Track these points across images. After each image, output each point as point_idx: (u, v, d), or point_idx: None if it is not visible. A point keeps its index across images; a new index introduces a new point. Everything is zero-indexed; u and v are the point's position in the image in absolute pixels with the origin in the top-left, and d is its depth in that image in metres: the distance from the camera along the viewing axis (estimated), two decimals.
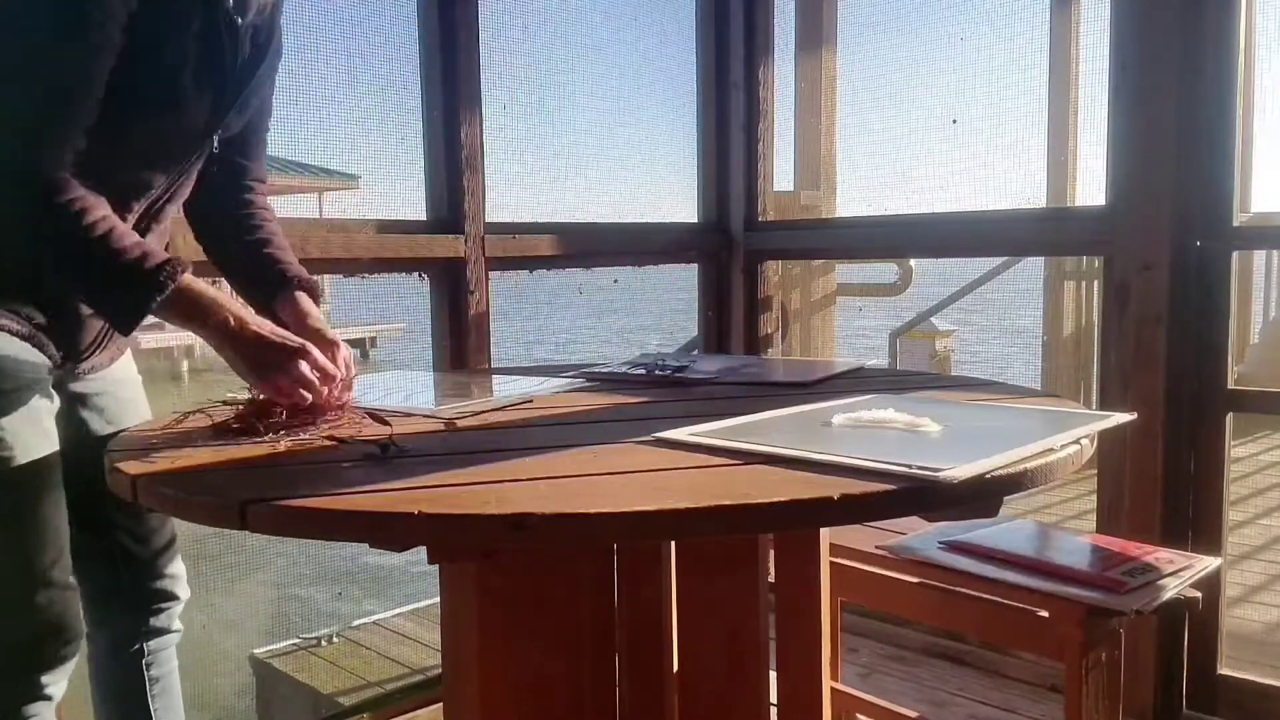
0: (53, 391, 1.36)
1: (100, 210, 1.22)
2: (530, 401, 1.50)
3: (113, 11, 1.22)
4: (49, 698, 1.35)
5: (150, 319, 1.25)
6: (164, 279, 1.20)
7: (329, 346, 1.39)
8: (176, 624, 1.62)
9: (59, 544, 1.35)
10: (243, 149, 1.55)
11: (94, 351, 1.45)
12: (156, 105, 1.32)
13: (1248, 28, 2.15)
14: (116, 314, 1.26)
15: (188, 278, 1.23)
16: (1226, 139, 2.06)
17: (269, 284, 1.52)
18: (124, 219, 1.33)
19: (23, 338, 1.32)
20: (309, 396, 1.27)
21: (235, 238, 1.57)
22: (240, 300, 1.48)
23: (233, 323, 1.25)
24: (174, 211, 1.49)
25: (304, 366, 1.26)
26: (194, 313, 1.24)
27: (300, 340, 1.30)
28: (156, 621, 1.59)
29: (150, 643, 1.58)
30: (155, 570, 1.58)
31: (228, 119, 1.44)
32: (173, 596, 1.61)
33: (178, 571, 1.62)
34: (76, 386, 1.45)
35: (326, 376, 1.29)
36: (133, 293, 1.21)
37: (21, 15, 1.21)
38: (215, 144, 1.45)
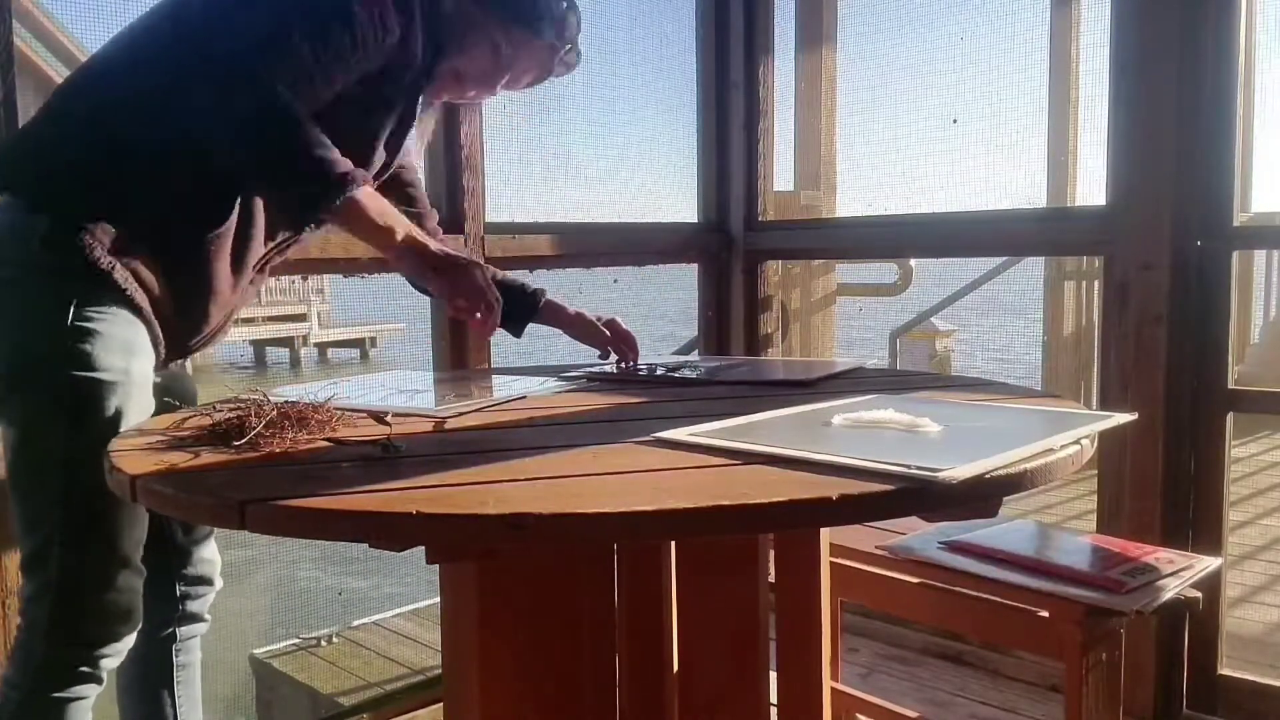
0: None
1: (308, 117, 1.31)
2: (524, 398, 1.50)
3: (368, 45, 1.36)
4: (100, 681, 1.38)
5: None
6: (353, 179, 1.31)
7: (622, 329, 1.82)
8: (207, 613, 1.65)
9: (143, 526, 1.39)
10: (416, 200, 1.78)
11: (197, 349, 1.52)
12: (350, 150, 1.43)
13: (1248, 28, 2.15)
14: (305, 207, 1.35)
15: (366, 193, 1.34)
16: (1226, 139, 2.06)
17: (521, 306, 1.80)
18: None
19: (150, 328, 1.38)
20: (489, 304, 1.41)
21: None
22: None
23: (412, 237, 1.39)
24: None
25: (480, 277, 1.41)
26: (375, 229, 1.36)
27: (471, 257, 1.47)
28: (191, 607, 1.62)
29: (182, 628, 1.61)
30: (195, 555, 1.61)
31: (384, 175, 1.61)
32: (209, 582, 1.64)
33: (214, 558, 1.65)
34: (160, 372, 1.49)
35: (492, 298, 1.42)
36: (319, 189, 1.31)
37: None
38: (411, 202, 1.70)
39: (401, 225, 1.39)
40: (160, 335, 1.41)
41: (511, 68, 1.58)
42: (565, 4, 1.58)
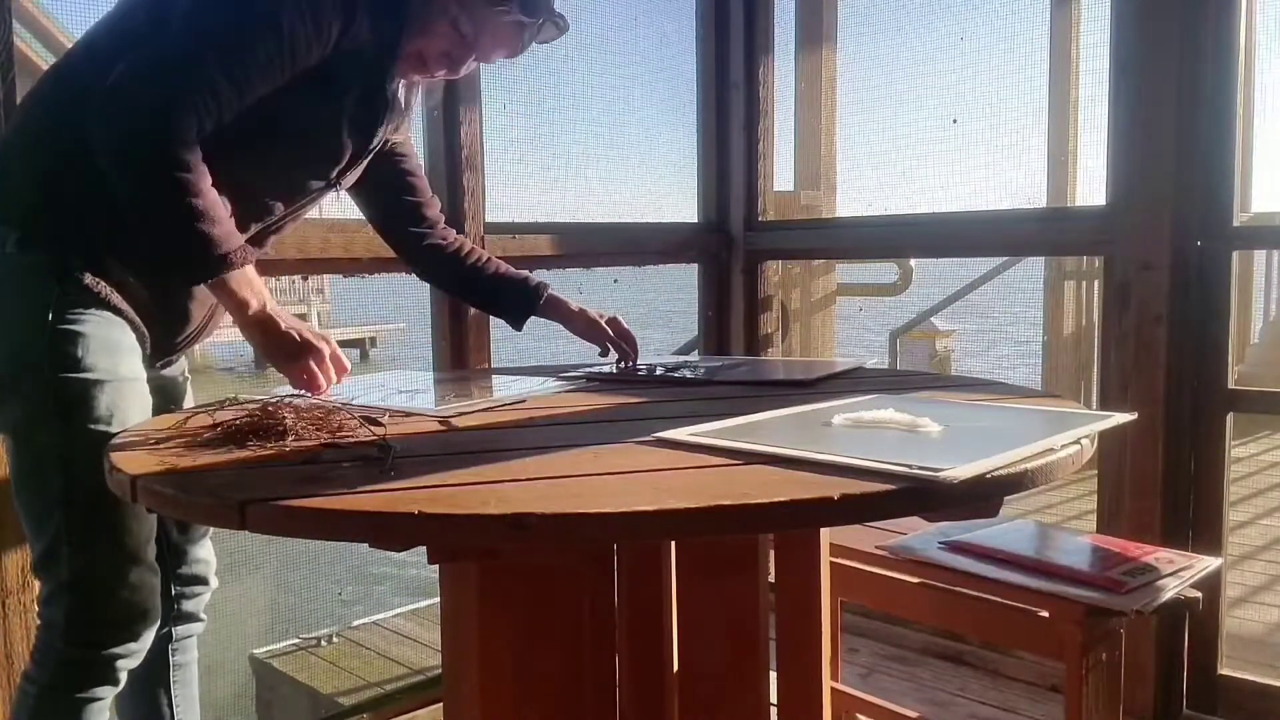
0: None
1: (205, 180, 1.27)
2: (524, 401, 1.50)
3: (299, 46, 1.32)
4: (117, 683, 1.38)
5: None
6: (228, 263, 1.29)
7: (623, 328, 1.83)
8: (203, 613, 1.65)
9: (151, 523, 1.39)
10: (415, 188, 1.77)
11: (183, 347, 1.52)
12: (309, 148, 1.45)
13: (1248, 28, 2.15)
14: (177, 273, 1.34)
15: (242, 270, 1.31)
16: (1226, 139, 2.06)
17: (523, 298, 1.83)
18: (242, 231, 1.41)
19: (134, 327, 1.38)
20: (322, 386, 1.38)
21: (461, 270, 1.83)
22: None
23: (267, 311, 1.34)
24: (293, 228, 1.62)
25: (318, 362, 1.38)
26: (233, 299, 1.33)
27: (321, 336, 1.39)
28: (186, 606, 1.62)
29: (178, 628, 1.61)
30: (190, 555, 1.61)
31: (351, 173, 1.58)
32: (204, 582, 1.64)
33: (210, 558, 1.65)
34: (152, 377, 1.48)
35: (339, 369, 1.41)
36: (196, 264, 1.29)
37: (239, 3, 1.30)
38: (338, 193, 1.62)
39: (258, 299, 1.34)
40: (145, 332, 1.41)
41: (476, 46, 1.52)
42: None
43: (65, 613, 1.33)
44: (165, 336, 1.46)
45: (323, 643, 3.38)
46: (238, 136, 1.32)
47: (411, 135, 1.81)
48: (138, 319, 1.39)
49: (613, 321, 1.86)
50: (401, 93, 1.54)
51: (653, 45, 2.87)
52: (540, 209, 2.55)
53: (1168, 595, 1.49)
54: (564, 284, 2.63)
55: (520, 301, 1.84)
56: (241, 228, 1.43)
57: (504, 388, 1.65)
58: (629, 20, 2.78)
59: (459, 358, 2.28)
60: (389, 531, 0.89)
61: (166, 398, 1.53)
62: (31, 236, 1.32)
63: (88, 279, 1.33)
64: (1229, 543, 2.31)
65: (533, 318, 1.88)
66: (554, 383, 1.65)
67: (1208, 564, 1.60)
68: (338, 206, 2.44)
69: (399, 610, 3.68)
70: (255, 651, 3.36)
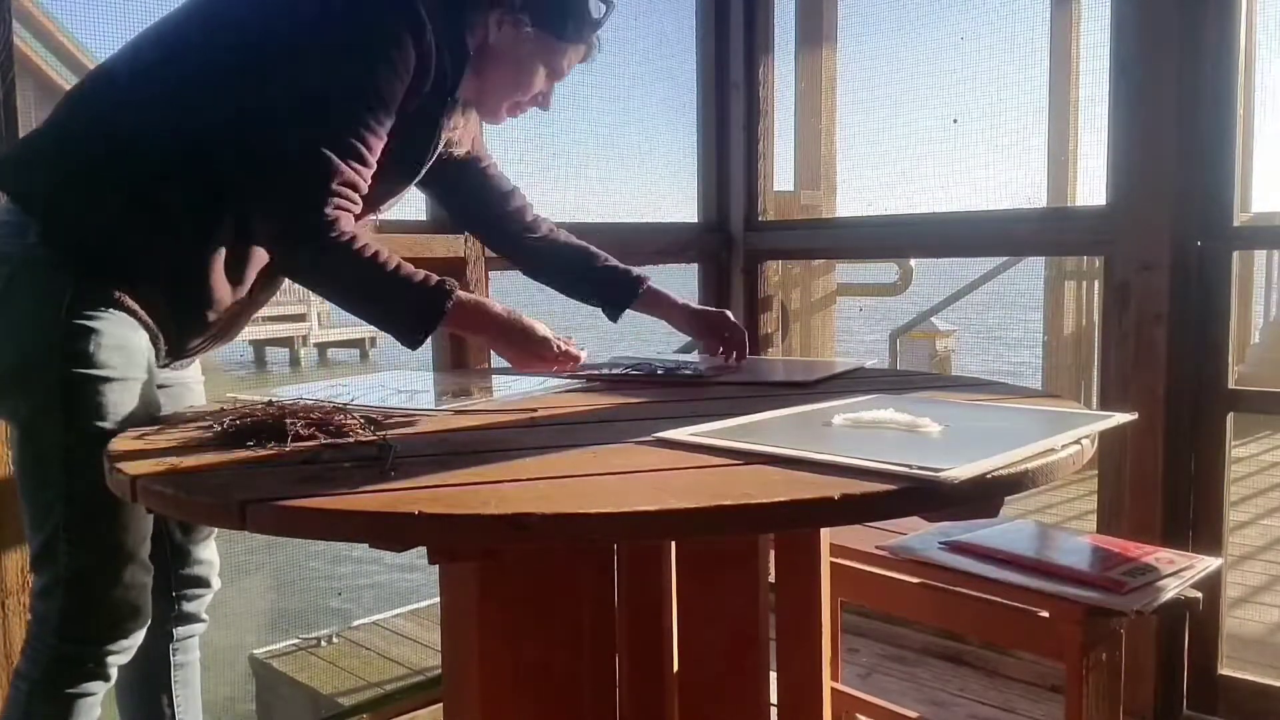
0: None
1: (376, 243, 1.36)
2: (524, 401, 1.50)
3: (401, 75, 1.37)
4: (108, 679, 1.39)
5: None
6: (449, 290, 1.39)
7: (727, 322, 1.83)
8: (204, 614, 1.66)
9: (148, 522, 1.40)
10: (492, 179, 1.80)
11: (199, 350, 1.53)
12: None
13: (1248, 28, 2.15)
14: (407, 331, 1.41)
15: (460, 293, 1.41)
16: (1226, 139, 2.06)
17: (624, 289, 1.83)
18: None
19: (148, 329, 1.38)
20: (579, 358, 1.56)
21: (563, 260, 1.86)
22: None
23: (506, 320, 1.49)
24: None
25: (558, 343, 1.53)
26: (465, 320, 1.46)
27: (547, 330, 1.53)
28: (188, 607, 1.62)
29: (179, 628, 1.61)
30: (193, 556, 1.62)
31: (393, 199, 1.63)
32: (205, 583, 1.65)
33: (213, 559, 1.65)
34: (159, 376, 1.47)
35: (569, 357, 1.55)
36: (422, 310, 1.39)
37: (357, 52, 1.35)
38: (378, 218, 1.67)
39: (502, 312, 1.49)
40: (159, 334, 1.41)
41: (550, 75, 1.59)
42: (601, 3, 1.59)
43: (60, 608, 1.33)
44: (180, 340, 1.46)
45: (323, 643, 3.38)
46: None
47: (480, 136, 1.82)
48: (151, 322, 1.39)
49: (719, 316, 1.84)
50: (441, 129, 1.56)
51: (652, 45, 2.87)
52: (540, 209, 2.54)
53: (1168, 595, 1.49)
54: None
55: (617, 293, 1.84)
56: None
57: (504, 388, 1.65)
58: (629, 20, 2.78)
59: (459, 358, 2.28)
60: (389, 531, 0.89)
61: (175, 400, 1.53)
62: (54, 231, 1.32)
63: (106, 278, 1.33)
64: (1229, 543, 2.31)
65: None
66: (554, 382, 1.65)
67: (1208, 564, 1.60)
68: None
69: (399, 610, 3.68)
70: (255, 651, 3.36)
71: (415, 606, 3.69)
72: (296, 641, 3.39)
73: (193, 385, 1.61)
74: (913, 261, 4.03)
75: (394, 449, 1.10)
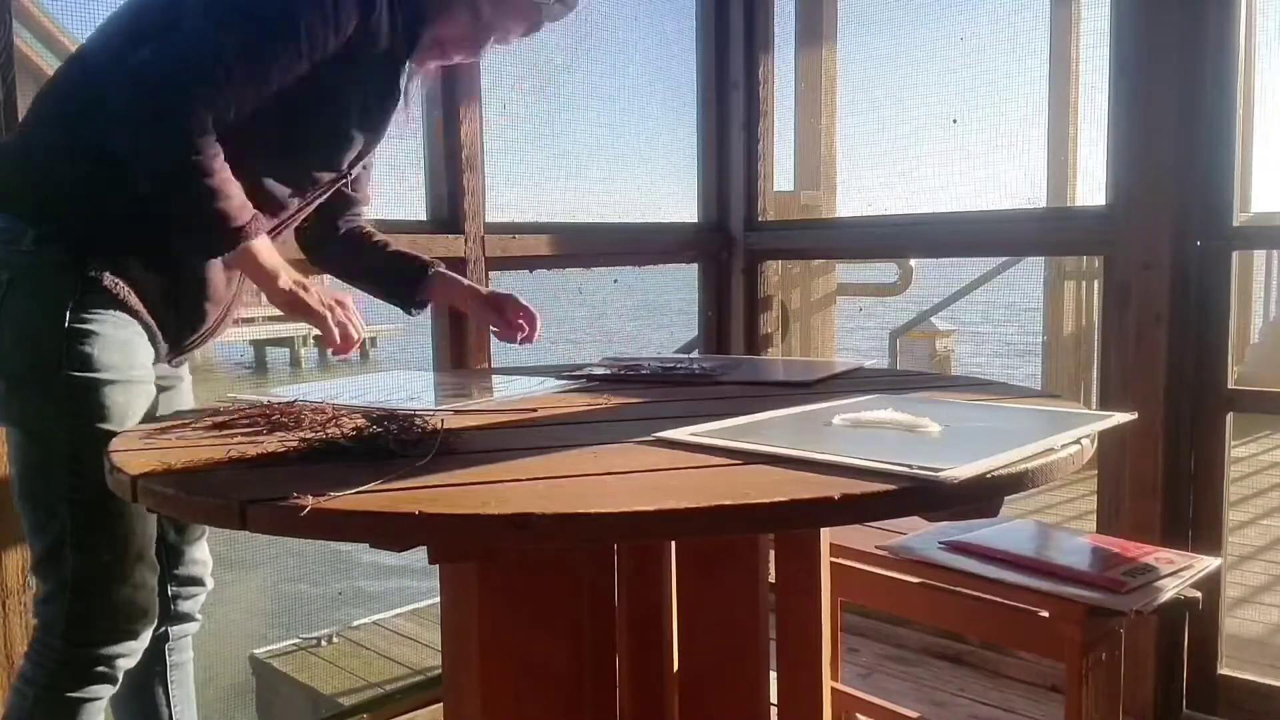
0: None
1: (219, 162, 1.31)
2: (523, 401, 1.50)
3: (315, 39, 1.34)
4: (115, 681, 1.38)
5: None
6: (247, 234, 1.33)
7: (513, 303, 1.76)
8: (199, 613, 1.65)
9: (153, 522, 1.40)
10: (357, 179, 1.69)
11: (196, 345, 1.52)
12: (320, 141, 1.47)
13: (1248, 28, 2.15)
14: (198, 250, 1.38)
15: (259, 241, 1.35)
16: (1226, 139, 2.06)
17: (412, 275, 1.75)
18: None
19: (148, 329, 1.38)
20: (353, 336, 1.44)
21: (360, 252, 1.76)
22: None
23: (285, 280, 1.39)
24: (287, 234, 1.62)
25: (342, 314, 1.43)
26: (262, 271, 1.38)
27: (338, 296, 1.45)
28: (182, 607, 1.62)
29: (174, 628, 1.61)
30: (187, 556, 1.61)
31: (360, 164, 1.59)
32: (200, 583, 1.64)
33: (206, 559, 1.65)
34: (158, 375, 1.47)
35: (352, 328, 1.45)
36: (215, 240, 1.33)
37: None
38: (349, 182, 1.61)
39: (286, 271, 1.40)
40: (158, 333, 1.41)
41: (495, 28, 1.53)
42: None
43: (66, 612, 1.33)
44: (180, 335, 1.46)
45: (323, 643, 3.38)
46: (253, 130, 1.34)
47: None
48: (152, 320, 1.39)
49: (508, 297, 1.79)
50: (403, 82, 1.54)
51: (653, 45, 2.87)
52: (540, 209, 2.55)
53: (1168, 595, 1.49)
54: (564, 284, 2.64)
55: (402, 282, 1.77)
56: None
57: (503, 388, 1.65)
58: (629, 20, 2.78)
59: (459, 358, 2.28)
60: (389, 531, 0.89)
61: (168, 399, 1.53)
62: (50, 233, 1.32)
63: (105, 279, 1.33)
64: (1229, 543, 2.31)
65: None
66: (554, 382, 1.65)
67: (1207, 564, 1.60)
68: None
69: (399, 610, 3.68)
70: (255, 651, 3.36)
71: (415, 606, 3.70)
72: (296, 641, 3.39)
73: (183, 384, 1.61)
74: (913, 261, 4.02)
75: (389, 449, 1.10)
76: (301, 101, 1.37)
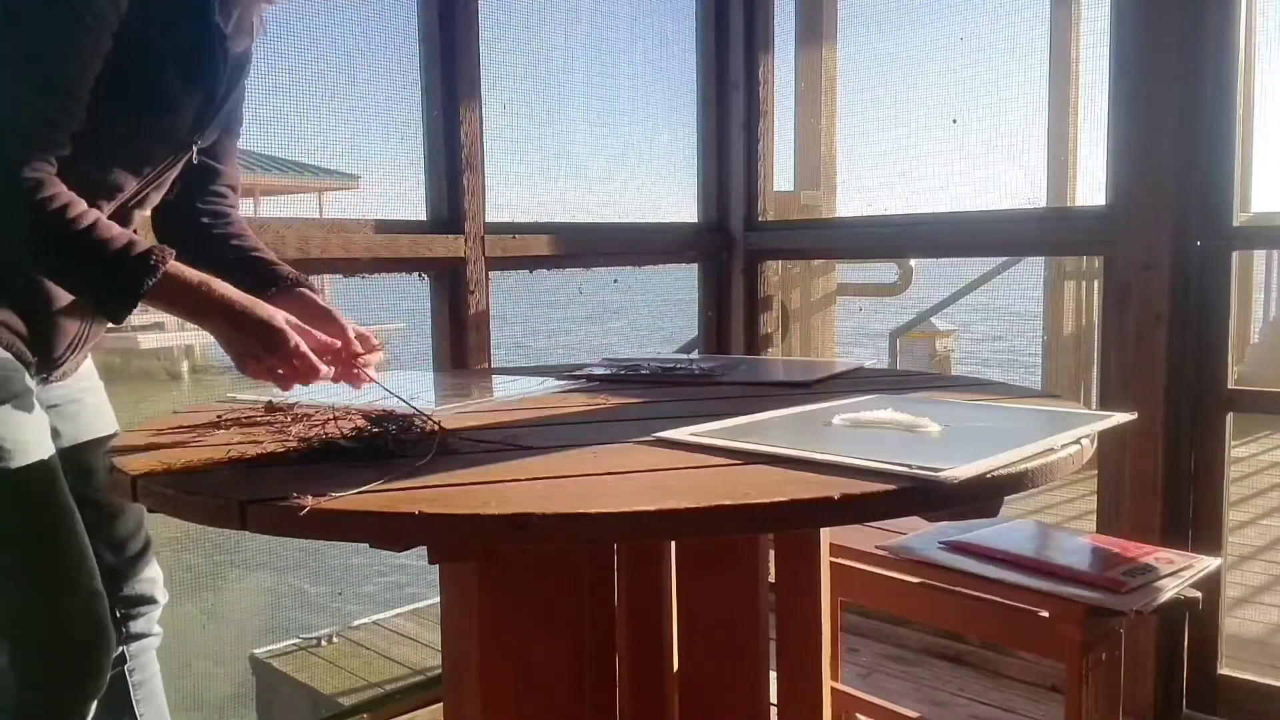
0: (36, 403, 1.34)
1: (81, 204, 1.20)
2: (523, 402, 1.50)
3: (101, 14, 1.20)
4: (85, 716, 1.33)
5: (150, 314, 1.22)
6: (154, 263, 1.19)
7: (336, 326, 1.38)
8: (156, 628, 1.61)
9: (81, 547, 1.33)
10: (217, 154, 1.53)
11: (68, 358, 1.42)
12: (138, 108, 1.30)
13: (1248, 28, 2.15)
14: (108, 303, 1.23)
15: (174, 264, 1.22)
16: (1226, 139, 2.06)
17: (261, 284, 1.46)
18: None
19: (5, 346, 1.30)
20: (318, 369, 1.28)
21: (211, 243, 1.54)
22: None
23: (226, 302, 1.24)
24: (141, 217, 1.46)
25: (300, 343, 1.25)
26: (183, 297, 1.23)
27: (292, 320, 1.28)
28: (135, 627, 1.57)
29: (130, 647, 1.56)
30: (131, 575, 1.56)
31: (208, 129, 1.43)
32: (150, 600, 1.59)
33: (154, 575, 1.60)
34: (46, 396, 1.41)
35: (325, 350, 1.30)
36: (123, 280, 1.20)
37: (12, 12, 1.19)
38: (194, 155, 1.44)
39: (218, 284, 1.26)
40: (25, 351, 1.33)
41: None
42: None
43: (9, 658, 1.28)
44: (44, 351, 1.37)
45: (323, 643, 3.38)
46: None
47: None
48: (13, 339, 1.31)
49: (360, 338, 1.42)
50: (216, 16, 1.36)
51: (653, 45, 2.87)
52: (540, 209, 2.56)
53: (1168, 595, 1.49)
54: (564, 284, 2.64)
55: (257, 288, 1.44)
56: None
57: (503, 388, 1.65)
58: (629, 20, 2.78)
59: (459, 358, 2.28)
60: (389, 531, 0.89)
61: (72, 419, 1.45)
62: None
63: None
64: (1229, 543, 2.31)
65: None
66: (554, 382, 1.65)
67: (1207, 564, 1.60)
68: (337, 207, 2.45)
69: (399, 610, 3.68)
70: (255, 651, 3.36)
71: (415, 606, 3.70)
72: (296, 641, 3.39)
73: (88, 399, 1.50)
74: (913, 261, 4.02)
75: (390, 449, 1.10)
76: (103, 77, 1.22)
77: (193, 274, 1.24)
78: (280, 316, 1.26)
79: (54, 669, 1.30)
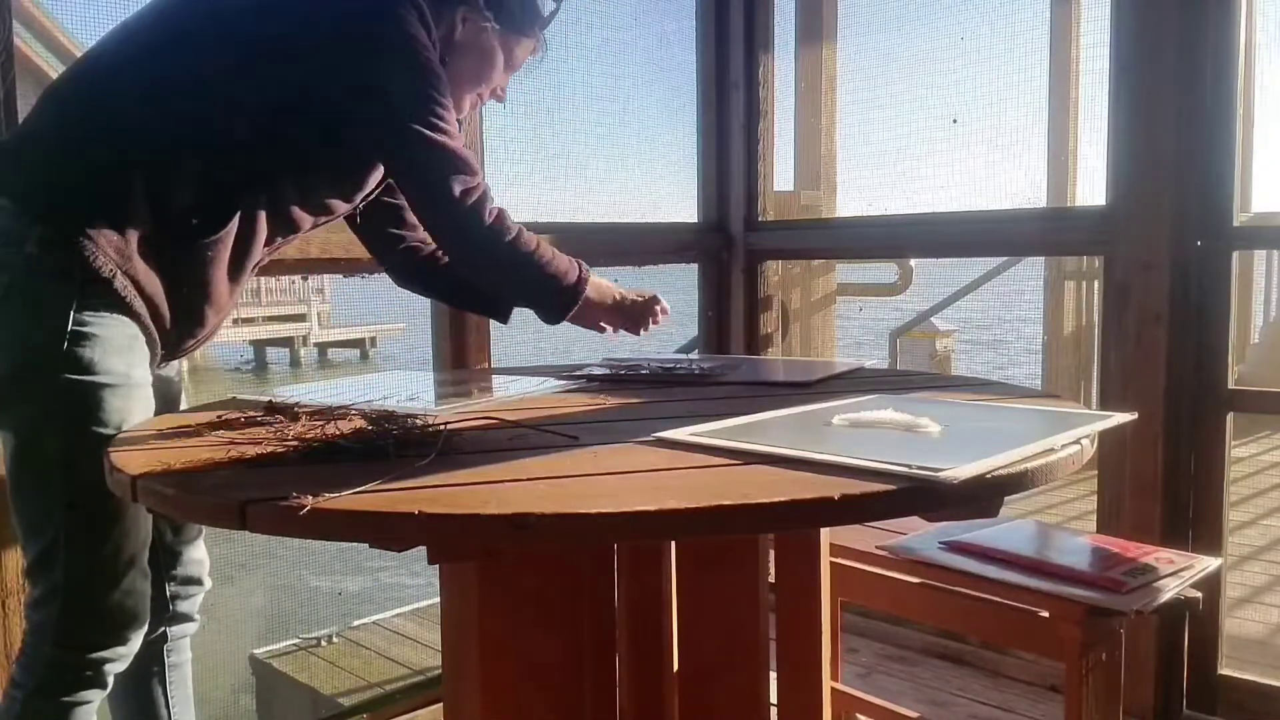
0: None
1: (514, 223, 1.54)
2: (523, 402, 1.50)
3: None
4: (105, 686, 1.38)
5: None
6: (580, 289, 1.58)
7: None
8: (197, 613, 1.65)
9: (148, 528, 1.39)
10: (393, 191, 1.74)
11: (191, 350, 1.52)
12: (337, 179, 1.54)
13: (1248, 27, 2.15)
14: (547, 317, 1.63)
15: (588, 279, 1.60)
16: (1226, 139, 2.06)
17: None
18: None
19: (147, 332, 1.38)
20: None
21: (430, 265, 1.79)
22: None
23: (615, 298, 1.67)
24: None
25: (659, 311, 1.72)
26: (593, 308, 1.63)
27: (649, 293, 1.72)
28: (181, 607, 1.61)
29: (173, 628, 1.61)
30: (185, 556, 1.61)
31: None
32: (198, 582, 1.64)
33: (203, 558, 1.65)
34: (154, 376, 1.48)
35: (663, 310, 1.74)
36: (561, 301, 1.58)
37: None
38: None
39: (611, 296, 1.67)
40: (156, 338, 1.40)
41: (507, 68, 1.64)
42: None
43: (57, 616, 1.32)
44: (178, 339, 1.45)
45: (323, 643, 3.38)
46: (296, 167, 1.44)
47: None
48: (151, 324, 1.38)
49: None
50: None
51: (653, 45, 2.87)
52: (540, 209, 2.55)
53: (1168, 595, 1.49)
54: None
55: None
56: (269, 241, 1.48)
57: (504, 388, 1.65)
58: (629, 20, 2.78)
59: (459, 358, 2.28)
60: (389, 531, 0.89)
61: (164, 398, 1.53)
62: (56, 236, 1.30)
63: (116, 280, 1.31)
64: (1229, 543, 2.31)
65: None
66: (554, 382, 1.65)
67: (1208, 564, 1.60)
68: None
69: (399, 610, 3.68)
70: (255, 651, 3.36)
71: (415, 606, 3.70)
72: (296, 641, 3.39)
73: (177, 383, 1.60)
74: (913, 261, 4.03)
75: (390, 449, 1.10)
76: (335, 142, 1.46)
77: (592, 285, 1.62)
78: (619, 291, 1.69)
79: (100, 635, 1.34)
